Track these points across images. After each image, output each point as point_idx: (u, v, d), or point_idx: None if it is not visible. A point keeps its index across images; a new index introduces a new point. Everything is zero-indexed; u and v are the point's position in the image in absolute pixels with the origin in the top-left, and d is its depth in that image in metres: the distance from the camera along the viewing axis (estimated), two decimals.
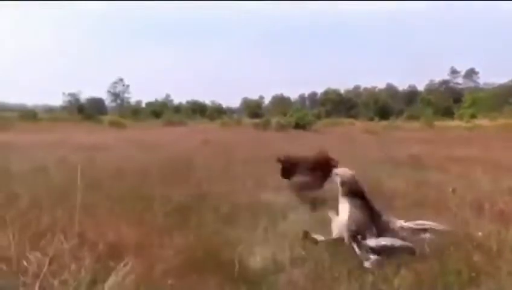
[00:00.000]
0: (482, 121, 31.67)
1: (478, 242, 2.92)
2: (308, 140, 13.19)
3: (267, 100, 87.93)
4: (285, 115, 35.34)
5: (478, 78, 75.04)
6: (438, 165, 7.19)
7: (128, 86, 78.78)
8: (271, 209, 3.88)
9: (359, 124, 35.17)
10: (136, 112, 57.74)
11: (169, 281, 2.30)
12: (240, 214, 3.71)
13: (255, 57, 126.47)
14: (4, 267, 2.33)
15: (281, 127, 24.66)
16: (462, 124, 31.42)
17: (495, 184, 5.11)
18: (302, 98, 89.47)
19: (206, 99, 76.13)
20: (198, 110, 66.58)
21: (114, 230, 2.98)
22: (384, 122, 40.59)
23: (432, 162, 7.60)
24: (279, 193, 4.51)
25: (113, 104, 79.99)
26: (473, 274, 2.44)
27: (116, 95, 79.78)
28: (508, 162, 7.44)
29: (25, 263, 2.33)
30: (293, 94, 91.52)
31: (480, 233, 3.11)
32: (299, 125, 25.96)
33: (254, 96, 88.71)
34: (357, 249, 2.73)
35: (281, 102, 77.06)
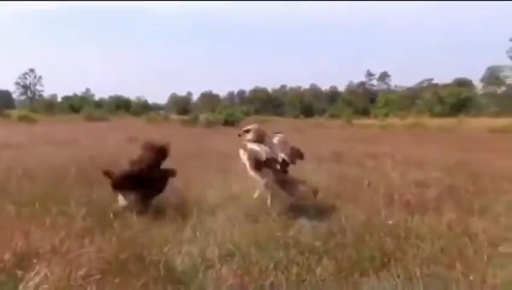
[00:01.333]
0: (394, 120, 34.82)
1: (389, 230, 3.23)
2: (237, 136, 13.32)
3: (195, 97, 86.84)
4: (214, 111, 35.25)
5: (390, 80, 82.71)
6: (356, 160, 7.78)
7: (40, 77, 71.87)
8: (199, 207, 3.84)
9: (286, 122, 36.41)
10: (50, 106, 52.91)
11: (89, 287, 2.16)
12: (167, 213, 3.61)
13: (184, 54, 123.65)
14: None
15: (210, 124, 24.60)
16: (377, 122, 34.19)
17: (403, 177, 5.68)
18: (230, 95, 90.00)
19: (131, 95, 72.41)
20: (122, 105, 63.11)
21: (23, 236, 2.71)
22: (308, 120, 42.68)
23: (351, 157, 8.19)
24: (208, 190, 4.48)
25: (23, 98, 72.30)
26: (385, 259, 2.69)
27: (26, 88, 72.15)
28: (414, 157, 8.33)
29: None
30: (221, 91, 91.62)
31: (390, 221, 3.44)
32: (228, 122, 26.15)
33: (182, 92, 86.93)
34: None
35: (209, 99, 76.71)
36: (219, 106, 45.70)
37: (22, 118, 25.93)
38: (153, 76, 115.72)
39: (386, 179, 5.50)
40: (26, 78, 71.01)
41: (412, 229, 3.27)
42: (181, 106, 74.44)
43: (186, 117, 32.47)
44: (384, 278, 2.45)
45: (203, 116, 28.25)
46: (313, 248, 2.84)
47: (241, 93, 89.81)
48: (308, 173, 5.94)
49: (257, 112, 65.81)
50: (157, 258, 2.58)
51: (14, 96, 73.24)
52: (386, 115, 47.24)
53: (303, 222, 3.42)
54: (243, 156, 3.98)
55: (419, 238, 3.08)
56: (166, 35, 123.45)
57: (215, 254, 2.71)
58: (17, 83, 71.27)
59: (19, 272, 2.23)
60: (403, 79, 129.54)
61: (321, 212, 3.81)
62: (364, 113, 62.40)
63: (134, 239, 2.95)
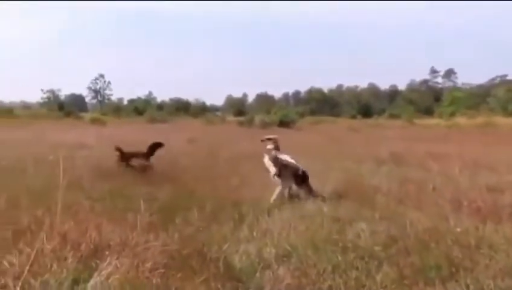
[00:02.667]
0: (461, 119, 32.48)
1: (457, 237, 3.01)
2: (292, 137, 13.27)
3: (251, 98, 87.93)
4: (269, 113, 35.44)
5: (456, 78, 77.04)
6: (418, 162, 7.36)
7: (109, 82, 77.37)
8: (256, 207, 3.89)
9: (342, 122, 35.52)
10: (117, 109, 56.75)
11: (155, 280, 2.29)
12: (226, 212, 3.71)
13: (239, 55, 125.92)
14: None
15: (265, 125, 24.72)
16: (442, 122, 32.14)
17: (473, 181, 5.27)
18: (285, 96, 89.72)
19: (190, 97, 75.46)
20: (181, 107, 65.92)
21: (97, 230, 2.94)
22: (366, 120, 41.21)
23: (413, 159, 7.77)
24: (264, 190, 4.52)
25: (94, 101, 78.43)
26: (453, 269, 2.51)
27: (96, 92, 78.20)
28: (484, 160, 7.68)
29: (6, 264, 2.28)
30: (277, 93, 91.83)
31: (459, 229, 3.21)
32: (283, 123, 26.09)
33: (238, 94, 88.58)
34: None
35: (265, 100, 77.21)
36: (274, 107, 45.80)
37: (93, 121, 28.11)
38: (210, 78, 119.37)
39: (453, 183, 5.14)
40: (96, 83, 77.09)
41: (484, 238, 3.02)
42: (237, 107, 75.85)
43: (242, 118, 33.01)
44: (452, 288, 2.30)
45: (258, 118, 28.54)
46: (372, 253, 2.74)
47: (296, 94, 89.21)
48: (366, 175, 5.76)
49: (312, 112, 64.88)
50: (216, 255, 2.66)
51: (87, 100, 79.81)
52: (453, 113, 44.22)
53: (361, 226, 3.32)
54: (267, 162, 4.59)
55: (492, 248, 2.83)
56: (222, 38, 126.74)
57: (272, 254, 2.73)
58: (89, 88, 77.58)
59: (94, 262, 2.43)
60: (471, 76, 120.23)
61: (381, 216, 3.67)
62: (428, 112, 58.80)
63: (195, 236, 3.08)
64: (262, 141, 4.79)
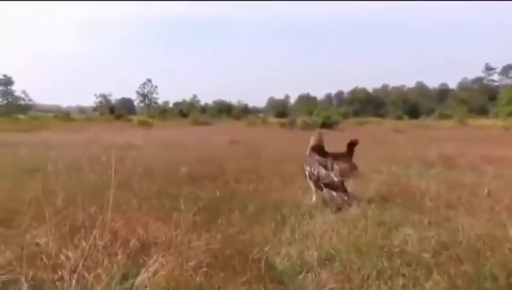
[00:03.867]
0: None
1: None
2: (335, 138, 13.03)
3: (292, 99, 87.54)
4: (311, 114, 35.04)
5: None
6: (471, 165, 6.92)
7: (156, 86, 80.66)
8: (298, 209, 3.87)
9: (388, 123, 34.34)
10: (163, 112, 59.07)
11: (198, 279, 2.34)
12: (267, 213, 3.72)
13: (281, 57, 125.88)
14: (42, 262, 2.44)
15: (307, 126, 24.50)
16: (499, 122, 30.03)
17: None
18: (328, 97, 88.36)
19: (232, 99, 76.73)
20: (224, 110, 67.20)
21: (144, 227, 3.07)
22: (414, 121, 39.51)
23: (465, 162, 7.32)
24: (306, 193, 4.48)
25: (142, 105, 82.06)
26: (511, 279, 2.33)
27: (144, 96, 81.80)
28: None
29: (62, 258, 2.44)
30: (319, 93, 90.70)
31: None
32: (326, 125, 25.71)
33: (280, 95, 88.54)
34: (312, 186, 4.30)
35: (307, 101, 76.41)
36: (316, 108, 45.22)
37: (141, 123, 29.44)
38: (252, 80, 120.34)
39: (511, 188, 4.78)
40: (144, 88, 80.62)
41: None
42: (279, 108, 75.94)
43: (284, 120, 32.98)
44: None
45: (300, 119, 28.35)
46: (420, 260, 2.62)
47: (339, 94, 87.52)
48: (413, 178, 5.52)
49: (356, 113, 63.42)
50: (258, 256, 2.67)
51: (135, 103, 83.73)
52: (510, 114, 41.19)
53: (408, 231, 3.18)
54: (307, 170, 4.42)
55: None
56: (262, 40, 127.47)
57: (314, 257, 2.69)
58: (137, 92, 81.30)
59: (141, 259, 2.54)
60: None
61: (429, 222, 3.49)
62: (482, 112, 55.32)
63: (237, 236, 3.12)
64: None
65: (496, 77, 73.82)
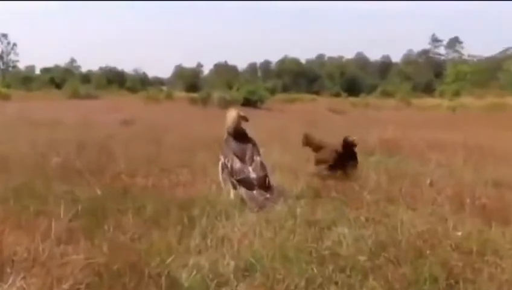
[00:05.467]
0: (467, 99, 33.99)
1: (457, 243, 3.17)
2: (260, 120, 13.33)
3: (207, 69, 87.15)
4: (230, 88, 35.35)
5: (462, 48, 79.69)
6: (415, 151, 7.65)
7: (14, 45, 73.87)
8: (212, 208, 3.89)
9: (323, 101, 36.18)
10: (26, 80, 54.40)
11: None
12: (171, 215, 3.69)
13: (193, 15, 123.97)
14: None
15: (226, 104, 24.61)
16: (444, 102, 33.47)
17: (478, 175, 5.55)
18: (252, 67, 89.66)
19: (127, 66, 73.72)
20: (115, 79, 64.22)
21: None
22: (353, 99, 42.19)
23: (408, 148, 8.06)
24: (223, 188, 4.52)
25: None
26: (452, 280, 2.64)
27: None
28: (494, 149, 8.11)
29: None
30: (240, 63, 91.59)
31: (459, 232, 3.38)
32: (249, 102, 26.13)
33: (191, 64, 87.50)
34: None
35: (225, 72, 76.68)
36: (237, 81, 45.67)
37: None
38: (153, 43, 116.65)
39: (455, 177, 5.40)
40: None
41: (488, 243, 3.20)
42: (189, 80, 74.96)
43: (195, 95, 32.72)
44: None
45: (216, 94, 28.39)
46: (356, 264, 2.83)
47: (266, 65, 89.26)
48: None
49: (286, 88, 65.53)
50: (157, 270, 2.64)
51: None
52: (457, 93, 46.06)
53: (343, 231, 3.41)
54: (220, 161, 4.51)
55: (497, 254, 3.01)
56: None
57: (231, 267, 2.74)
58: None
59: None
60: (480, 47, 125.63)
61: (367, 218, 3.79)
62: (428, 90, 61.13)
63: (130, 246, 3.04)
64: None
65: (442, 50, 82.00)
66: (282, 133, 10.23)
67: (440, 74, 68.31)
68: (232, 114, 4.58)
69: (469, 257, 2.97)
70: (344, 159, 5.44)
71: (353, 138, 5.49)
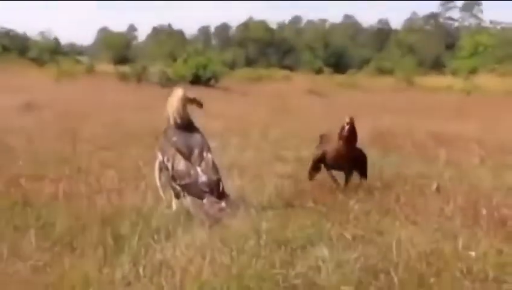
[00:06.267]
0: (486, 79, 34.66)
1: (469, 267, 3.26)
2: (214, 104, 13.20)
3: (143, 35, 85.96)
4: (175, 60, 34.96)
5: (481, 11, 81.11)
6: (418, 148, 7.80)
7: None
8: (146, 224, 3.86)
9: (300, 79, 36.22)
10: None
11: None
12: (90, 234, 3.63)
13: None
14: None
15: (168, 81, 24.40)
16: (458, 82, 34.09)
17: (498, 179, 5.72)
18: (205, 33, 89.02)
19: (30, 29, 71.70)
20: (14, 47, 62.47)
21: None
22: (339, 77, 42.48)
23: (409, 143, 8.19)
24: (161, 197, 4.49)
25: None
26: None
27: None
28: None
29: None
30: (189, 26, 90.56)
31: (472, 253, 3.47)
32: (200, 79, 25.97)
33: (120, 27, 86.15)
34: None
35: (167, 39, 75.79)
36: (184, 51, 45.08)
37: None
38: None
39: (468, 182, 5.54)
40: None
41: (508, 267, 3.30)
42: (117, 49, 73.78)
43: (126, 69, 32.23)
44: None
45: (155, 69, 28.08)
46: None
47: (223, 30, 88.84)
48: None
49: (250, 62, 65.45)
50: None
51: None
52: (474, 70, 46.99)
53: (322, 253, 3.44)
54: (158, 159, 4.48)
55: None
56: None
57: None
58: None
59: None
60: (504, 11, 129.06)
61: (354, 236, 3.84)
62: (436, 66, 62.18)
63: (31, 279, 2.98)
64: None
65: (455, 13, 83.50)
66: (244, 122, 10.26)
67: (452, 46, 69.48)
68: (176, 96, 4.48)
69: (484, 284, 3.06)
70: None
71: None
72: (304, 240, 3.69)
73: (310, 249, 3.54)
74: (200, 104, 4.57)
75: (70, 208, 4.25)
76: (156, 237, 3.67)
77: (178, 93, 4.49)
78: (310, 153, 7.05)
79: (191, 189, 4.14)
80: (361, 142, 7.88)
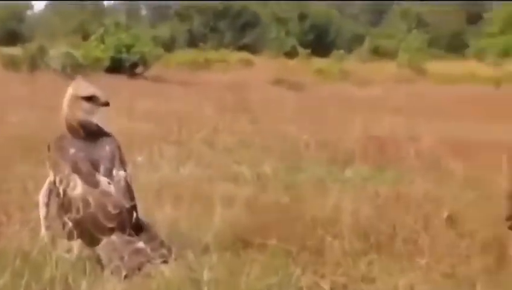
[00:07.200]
0: None
1: None
2: (142, 101, 13.10)
3: (39, 5, 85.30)
4: (85, 38, 34.79)
5: None
6: (425, 159, 7.88)
7: None
8: (34, 275, 3.82)
9: (264, 65, 36.30)
10: None
11: None
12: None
13: None
14: None
15: (76, 69, 24.22)
16: (484, 69, 34.58)
17: None
18: (131, 3, 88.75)
19: None
20: None
21: None
22: (321, 61, 42.75)
23: (413, 153, 8.27)
24: (43, 230, 4.45)
25: None
26: None
27: None
28: None
29: None
30: None
31: None
32: (122, 65, 25.87)
33: None
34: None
35: (76, 8, 75.40)
36: (100, 25, 44.72)
37: None
38: None
39: (494, 206, 5.61)
40: None
41: None
42: (5, 24, 73.30)
43: (16, 51, 31.97)
44: None
45: (57, 51, 27.88)
46: None
47: None
48: (310, 191, 6.00)
49: (194, 41, 65.44)
50: None
51: None
52: (506, 52, 47.76)
53: None
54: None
55: None
56: None
57: None
58: None
59: None
60: None
61: (333, 287, 3.86)
62: (455, 47, 63.12)
63: None
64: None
65: None
66: (183, 125, 10.23)
67: (477, 20, 70.66)
68: (73, 91, 4.33)
69: None
70: None
71: None
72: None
73: None
74: (104, 103, 4.31)
75: None
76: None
77: (68, 90, 4.31)
78: (274, 170, 7.09)
79: (89, 223, 4.01)
80: (349, 152, 8.04)
